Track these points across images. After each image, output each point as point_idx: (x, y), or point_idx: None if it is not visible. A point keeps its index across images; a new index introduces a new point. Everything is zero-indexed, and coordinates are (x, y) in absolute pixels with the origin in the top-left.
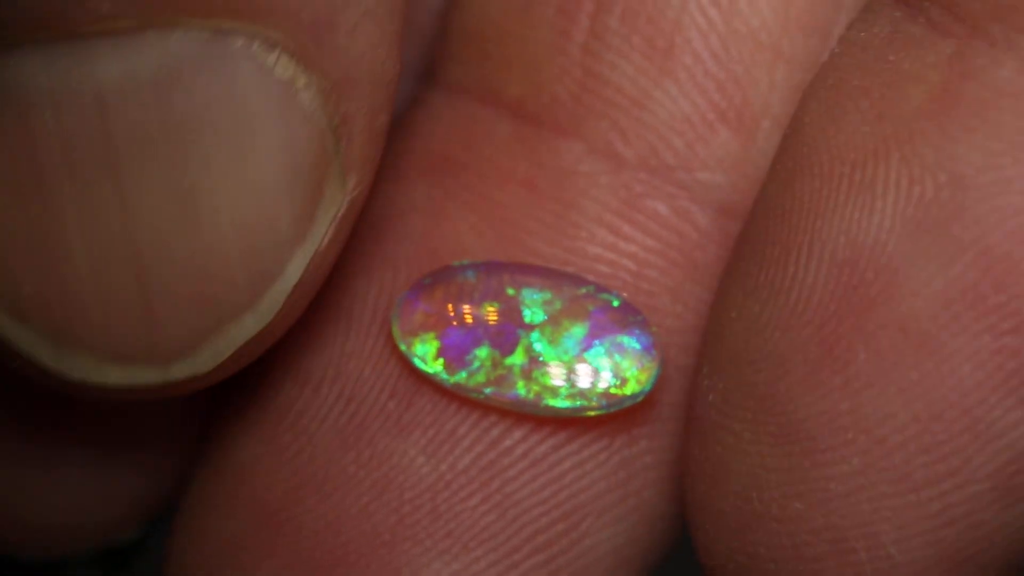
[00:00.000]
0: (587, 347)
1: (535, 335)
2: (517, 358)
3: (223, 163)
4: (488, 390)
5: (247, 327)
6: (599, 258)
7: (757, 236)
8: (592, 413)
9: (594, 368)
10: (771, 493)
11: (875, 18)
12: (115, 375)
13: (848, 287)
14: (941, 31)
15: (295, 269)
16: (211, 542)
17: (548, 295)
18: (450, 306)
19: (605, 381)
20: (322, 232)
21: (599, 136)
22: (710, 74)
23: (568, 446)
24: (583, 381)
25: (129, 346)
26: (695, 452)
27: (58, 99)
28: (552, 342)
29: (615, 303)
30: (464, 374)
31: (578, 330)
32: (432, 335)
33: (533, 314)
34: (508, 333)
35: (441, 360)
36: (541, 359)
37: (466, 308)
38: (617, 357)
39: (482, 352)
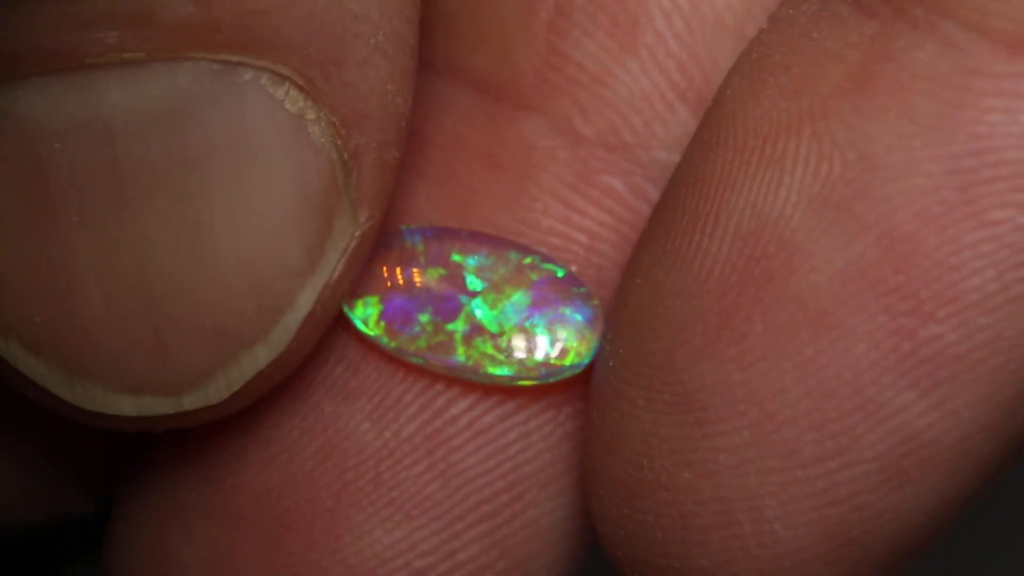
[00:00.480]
0: (528, 316)
1: (477, 302)
2: (458, 324)
3: (232, 195)
4: (428, 355)
5: (259, 358)
6: (552, 231)
7: (669, 205)
8: (530, 382)
9: (534, 337)
10: (662, 462)
11: None
12: (128, 406)
13: (750, 259)
14: (867, 12)
15: (306, 301)
16: (155, 505)
17: (492, 263)
18: (394, 270)
19: (544, 351)
20: (332, 264)
21: (560, 113)
22: (672, 54)
23: (514, 417)
24: (523, 350)
25: (141, 377)
26: (593, 418)
27: (66, 131)
28: (494, 309)
29: (560, 274)
30: (405, 338)
31: (520, 299)
32: (375, 298)
33: (476, 281)
34: (450, 299)
35: (383, 324)
36: (482, 326)
37: (410, 273)
38: (558, 327)
39: (423, 317)
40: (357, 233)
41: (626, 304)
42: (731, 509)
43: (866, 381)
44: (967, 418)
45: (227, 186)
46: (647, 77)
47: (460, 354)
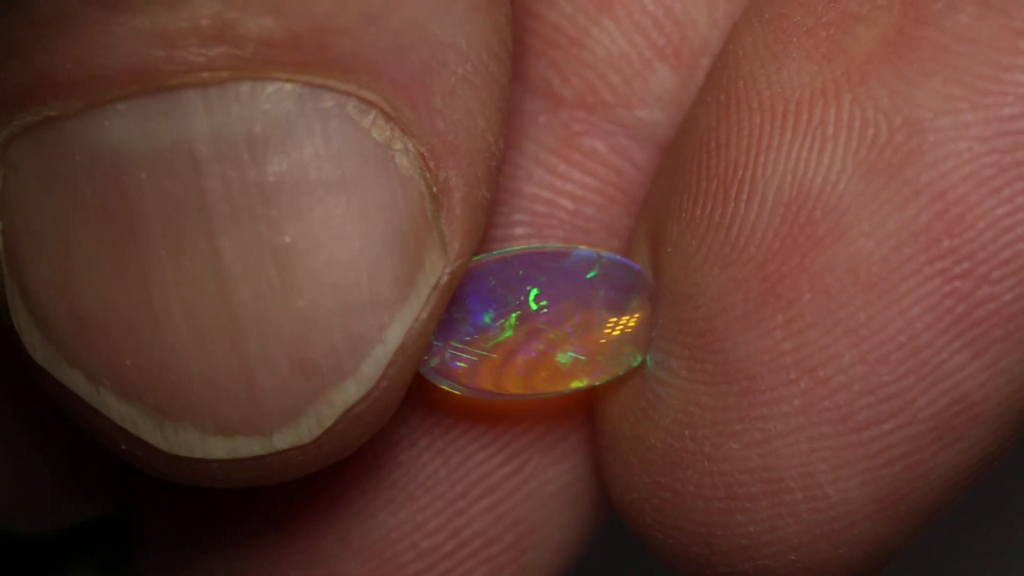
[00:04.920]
0: (598, 323)
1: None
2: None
3: (319, 224)
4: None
5: (348, 393)
6: (535, 197)
7: (690, 169)
8: (604, 381)
9: (613, 343)
10: (705, 431)
11: None
12: (219, 448)
13: (794, 226)
14: None
15: (396, 334)
16: (172, 505)
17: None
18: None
19: (625, 358)
20: (423, 298)
21: (538, 75)
22: (648, 11)
23: None
24: (601, 358)
25: (232, 416)
26: (626, 385)
27: (153, 160)
28: (568, 332)
29: (613, 264)
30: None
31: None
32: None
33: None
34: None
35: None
36: (555, 346)
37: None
38: (627, 321)
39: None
40: (448, 270)
41: (657, 273)
42: (781, 477)
43: (921, 344)
44: (1016, 376)
45: (313, 216)
46: (624, 36)
47: (544, 381)
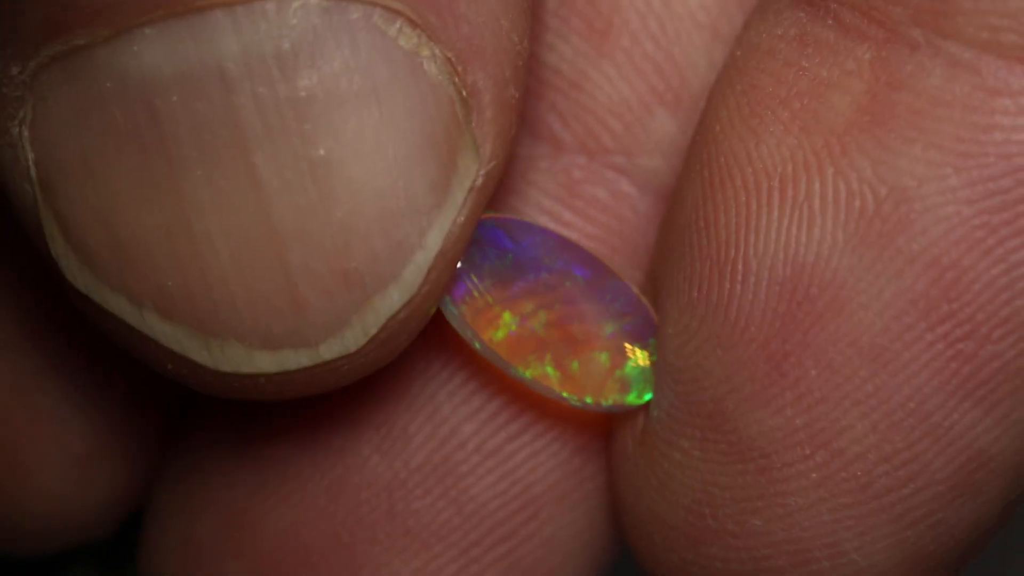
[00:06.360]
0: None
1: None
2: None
3: (353, 135)
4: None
5: (392, 300)
6: None
7: (682, 249)
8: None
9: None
10: (725, 510)
11: (777, 19)
12: (266, 362)
13: (792, 303)
14: (855, 35)
15: (435, 239)
16: (179, 544)
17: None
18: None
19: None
20: (459, 202)
21: (539, 118)
22: (648, 56)
23: (521, 437)
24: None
25: (277, 330)
26: (640, 465)
27: (183, 82)
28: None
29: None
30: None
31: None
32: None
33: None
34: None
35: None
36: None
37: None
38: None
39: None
40: (482, 172)
41: (661, 354)
42: (808, 548)
43: (931, 408)
44: None
45: (347, 126)
46: (624, 80)
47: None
